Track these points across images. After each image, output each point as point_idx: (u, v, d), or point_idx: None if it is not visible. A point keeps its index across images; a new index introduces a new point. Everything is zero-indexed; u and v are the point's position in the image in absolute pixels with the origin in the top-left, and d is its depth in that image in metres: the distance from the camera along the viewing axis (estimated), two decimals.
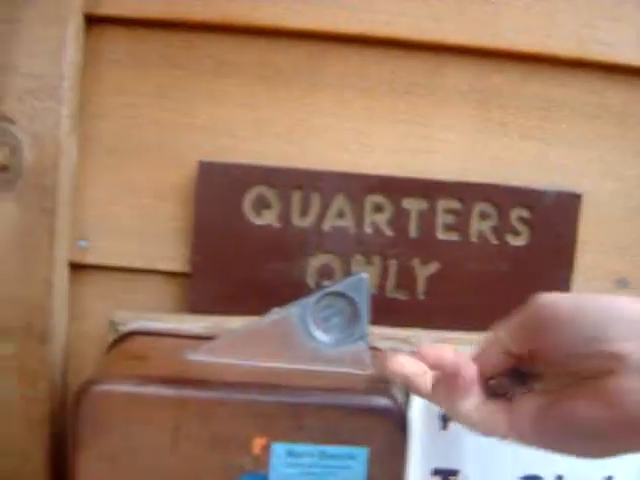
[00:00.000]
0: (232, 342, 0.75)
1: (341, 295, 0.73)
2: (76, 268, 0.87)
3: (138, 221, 0.86)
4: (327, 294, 0.74)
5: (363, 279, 0.73)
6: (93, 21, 0.84)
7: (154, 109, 0.85)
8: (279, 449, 0.69)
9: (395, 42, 0.83)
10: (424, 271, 0.85)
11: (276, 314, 0.74)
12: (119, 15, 0.84)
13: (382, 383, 0.72)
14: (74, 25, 0.82)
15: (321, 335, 0.74)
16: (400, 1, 0.82)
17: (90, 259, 0.86)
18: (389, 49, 0.84)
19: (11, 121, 0.81)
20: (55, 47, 0.81)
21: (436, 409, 0.83)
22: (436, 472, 0.84)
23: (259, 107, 0.85)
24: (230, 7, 0.83)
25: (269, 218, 0.84)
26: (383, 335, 0.83)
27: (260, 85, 0.85)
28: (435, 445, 0.84)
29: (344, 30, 0.83)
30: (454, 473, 0.84)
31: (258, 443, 0.69)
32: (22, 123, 0.81)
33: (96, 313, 0.87)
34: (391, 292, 0.85)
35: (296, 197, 0.84)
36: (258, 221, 0.84)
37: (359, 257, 0.84)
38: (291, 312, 0.74)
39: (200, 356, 0.75)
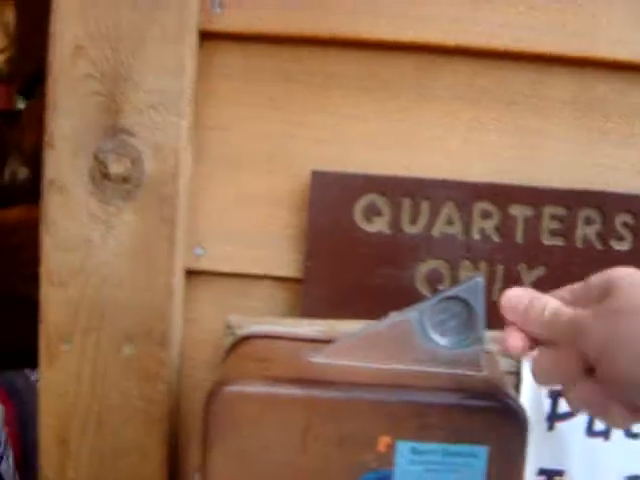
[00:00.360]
0: (352, 345, 0.77)
1: (458, 299, 0.75)
2: (190, 274, 0.90)
3: (251, 228, 0.89)
4: (444, 298, 0.76)
5: (479, 283, 0.75)
6: (206, 37, 0.87)
7: (266, 121, 0.88)
8: (403, 447, 0.71)
9: (501, 54, 0.86)
10: (530, 276, 0.87)
11: (394, 318, 0.77)
12: (231, 31, 0.87)
13: (499, 384, 0.74)
14: (191, 41, 0.85)
15: (438, 338, 0.76)
16: (505, 14, 0.85)
17: (204, 265, 0.89)
18: (495, 60, 0.87)
19: (131, 134, 0.84)
20: (175, 63, 0.84)
21: (544, 410, 0.85)
22: (541, 472, 0.86)
23: (368, 118, 0.88)
24: (338, 21, 0.86)
25: (380, 225, 0.86)
26: (491, 338, 0.84)
27: (368, 97, 0.88)
28: (542, 445, 0.86)
29: (451, 42, 0.86)
30: (559, 473, 0.86)
31: (383, 441, 0.71)
32: (142, 135, 0.84)
33: (209, 318, 0.90)
34: (498, 296, 0.87)
35: (406, 205, 0.86)
36: (369, 228, 0.87)
37: (467, 263, 0.87)
38: (410, 316, 0.76)
39: (322, 358, 0.77)
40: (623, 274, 0.61)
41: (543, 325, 0.64)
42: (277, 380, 0.73)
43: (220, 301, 0.90)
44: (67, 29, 0.84)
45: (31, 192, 1.98)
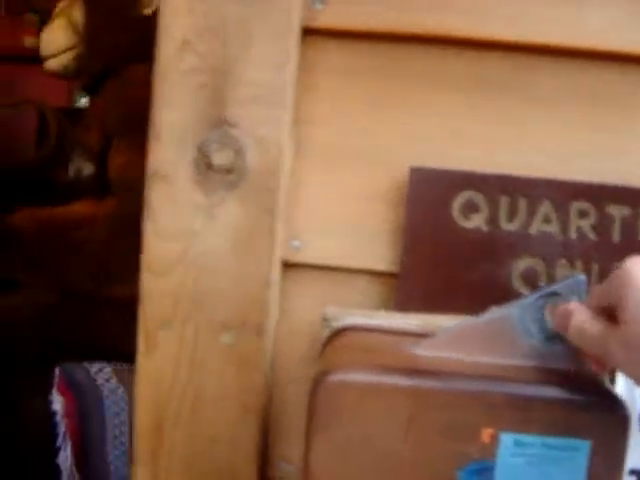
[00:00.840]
0: (452, 338, 0.78)
1: (558, 296, 0.76)
2: (287, 266, 0.91)
3: (348, 222, 0.90)
4: (546, 295, 0.76)
5: (581, 281, 0.75)
6: (308, 32, 0.89)
7: (365, 116, 0.90)
8: (507, 439, 0.72)
9: (603, 55, 0.86)
10: None
11: (495, 313, 0.78)
12: (331, 27, 0.89)
13: (600, 381, 0.75)
14: (294, 37, 0.86)
15: (539, 334, 0.76)
16: (610, 14, 0.85)
17: (301, 258, 0.91)
18: (596, 61, 0.87)
19: (235, 126, 0.86)
20: (279, 58, 0.86)
21: (637, 409, 0.85)
22: (632, 472, 0.87)
23: (467, 116, 0.89)
24: (438, 20, 0.87)
25: (477, 222, 0.87)
26: None
27: (467, 95, 0.89)
28: (634, 445, 0.86)
29: (552, 43, 0.86)
30: None
31: (487, 433, 0.72)
32: (246, 128, 0.86)
33: (304, 310, 0.92)
34: None
35: (504, 202, 0.87)
36: (466, 224, 0.88)
37: (563, 261, 0.87)
38: (511, 311, 0.77)
39: (423, 350, 0.78)
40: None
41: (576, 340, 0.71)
42: (381, 369, 0.74)
43: (315, 294, 0.91)
44: (175, 24, 0.86)
45: (96, 188, 2.01)
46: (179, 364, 0.88)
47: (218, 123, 0.86)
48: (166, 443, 0.90)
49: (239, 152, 0.86)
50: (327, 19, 0.88)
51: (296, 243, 0.90)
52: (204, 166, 0.86)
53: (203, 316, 0.87)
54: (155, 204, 0.87)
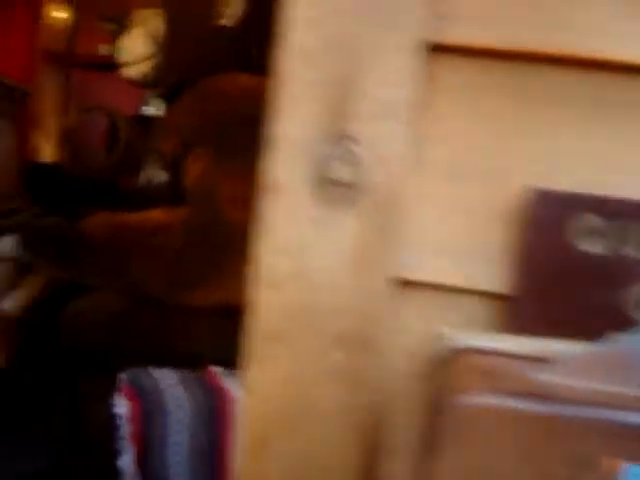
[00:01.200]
0: (577, 365, 0.77)
1: None
2: (401, 284, 0.90)
3: (463, 241, 0.89)
4: None
5: None
6: (432, 49, 0.88)
7: (485, 135, 0.89)
8: (632, 470, 0.70)
9: None
10: None
11: (620, 341, 0.76)
12: (457, 45, 0.88)
13: None
14: (419, 54, 0.86)
15: None
16: None
17: (415, 276, 0.90)
18: None
19: (356, 141, 0.85)
20: (403, 74, 0.85)
21: None
22: None
23: (590, 138, 0.88)
24: (565, 39, 0.86)
25: (597, 246, 0.86)
26: None
27: (593, 117, 0.88)
28: None
29: None
30: None
31: (610, 463, 0.70)
32: (366, 143, 0.85)
33: (416, 329, 0.90)
34: None
35: (625, 227, 0.86)
36: (586, 249, 0.86)
37: None
38: (637, 339, 0.75)
39: (546, 376, 0.77)
40: None
41: None
42: (508, 394, 0.73)
43: (428, 313, 0.90)
44: (299, 36, 0.86)
45: (168, 196, 2.02)
46: (288, 379, 0.88)
47: (339, 138, 0.85)
48: (271, 459, 0.89)
49: (359, 168, 0.85)
50: (452, 36, 0.88)
51: (411, 261, 0.89)
52: (323, 181, 0.85)
53: (314, 331, 0.87)
54: (270, 217, 0.87)
